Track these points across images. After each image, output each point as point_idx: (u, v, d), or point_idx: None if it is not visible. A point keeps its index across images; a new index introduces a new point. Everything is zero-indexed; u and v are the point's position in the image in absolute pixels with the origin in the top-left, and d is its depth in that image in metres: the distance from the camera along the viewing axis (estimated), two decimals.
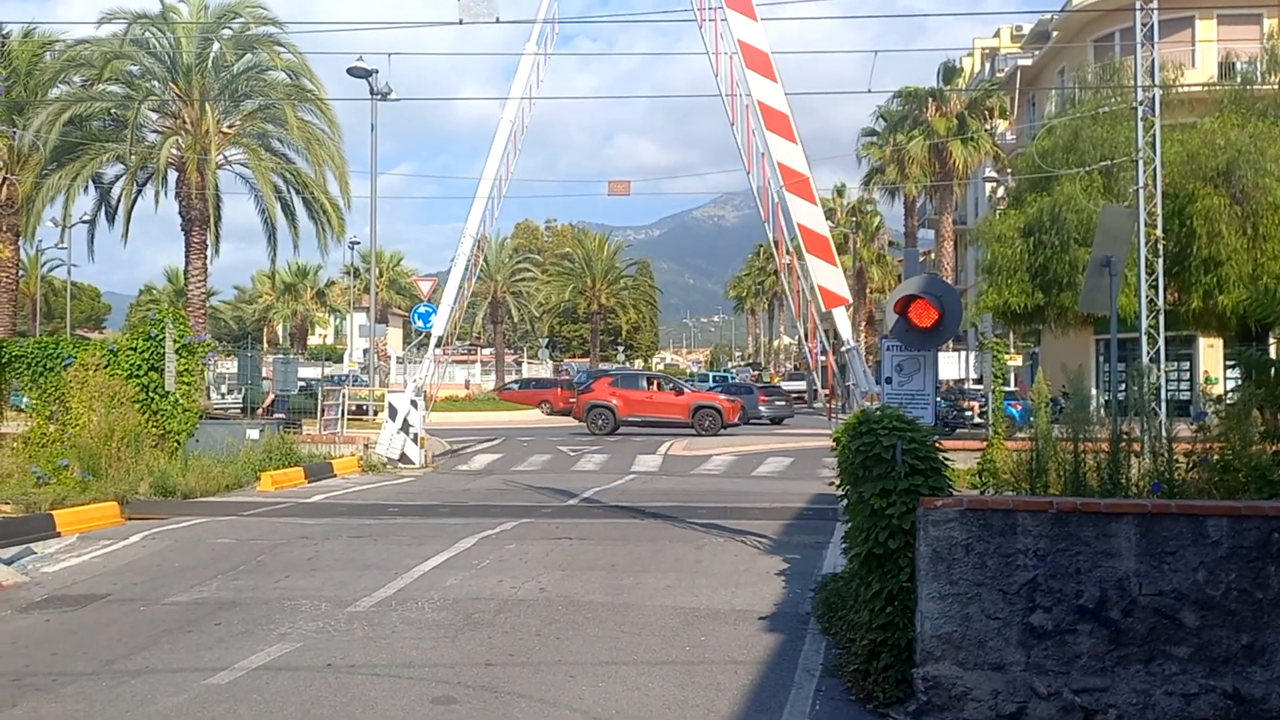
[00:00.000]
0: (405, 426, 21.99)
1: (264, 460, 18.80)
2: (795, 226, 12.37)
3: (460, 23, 15.52)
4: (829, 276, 12.31)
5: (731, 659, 7.33)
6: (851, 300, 13.35)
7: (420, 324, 26.75)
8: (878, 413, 6.68)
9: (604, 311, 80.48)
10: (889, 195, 48.92)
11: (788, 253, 12.99)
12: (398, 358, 68.08)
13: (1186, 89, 27.72)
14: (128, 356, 18.45)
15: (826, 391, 14.97)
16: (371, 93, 26.83)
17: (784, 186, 12.41)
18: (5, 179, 29.99)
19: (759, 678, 6.92)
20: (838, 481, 7.22)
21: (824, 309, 12.39)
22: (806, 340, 16.45)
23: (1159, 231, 21.68)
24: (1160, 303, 21.56)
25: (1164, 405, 19.06)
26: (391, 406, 22.24)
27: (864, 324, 61.54)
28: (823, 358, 13.96)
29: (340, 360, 73.37)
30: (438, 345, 22.99)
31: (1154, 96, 21.75)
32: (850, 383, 13.22)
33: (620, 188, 30.73)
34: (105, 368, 18.18)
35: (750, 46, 12.65)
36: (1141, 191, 21.31)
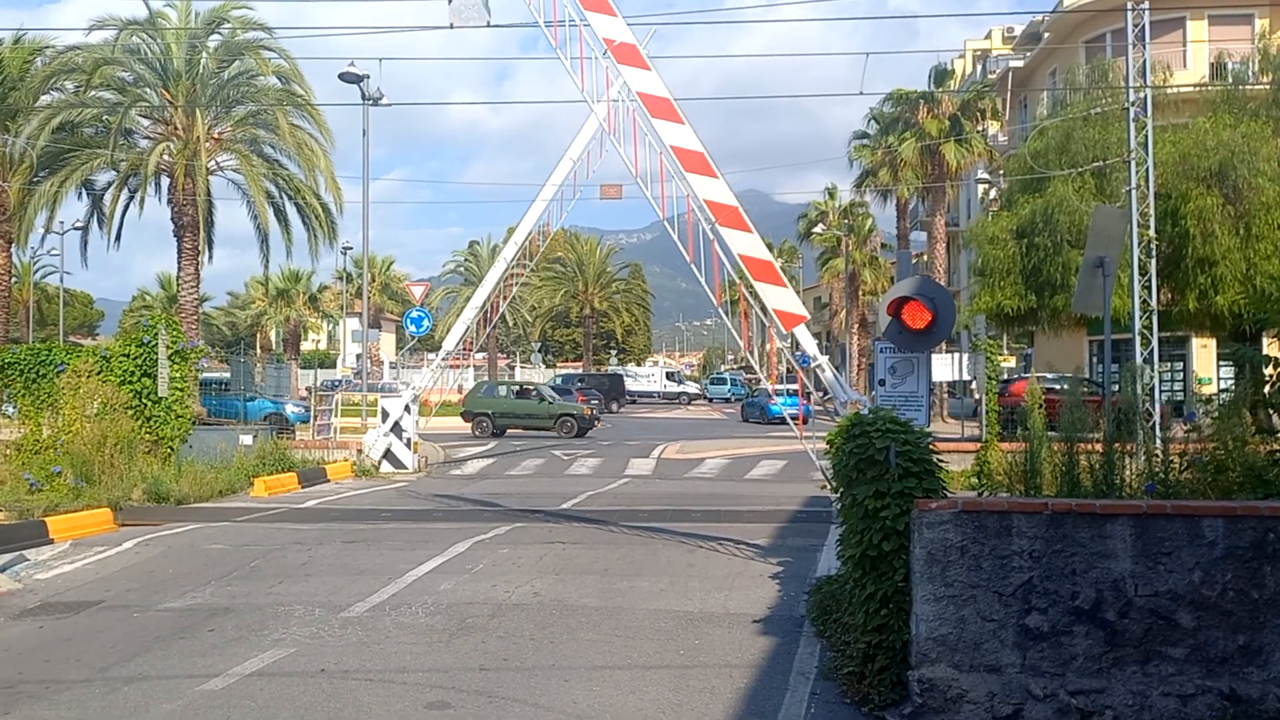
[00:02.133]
0: (398, 431, 21.96)
1: (257, 465, 18.79)
2: (736, 258, 12.29)
3: (451, 27, 15.42)
4: (781, 298, 12.23)
5: (726, 662, 7.31)
6: (809, 316, 13.24)
7: (413, 329, 26.73)
8: (871, 415, 6.67)
9: (596, 315, 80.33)
10: (881, 197, 48.87)
11: (729, 287, 12.91)
12: (390, 362, 68.07)
13: (1178, 89, 27.80)
14: (120, 363, 18.37)
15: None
16: (363, 98, 26.78)
17: (716, 223, 12.32)
18: None
19: (753, 681, 6.90)
20: (832, 484, 7.21)
21: (784, 331, 12.31)
22: (766, 376, 16.70)
23: (1151, 232, 21.73)
24: (1154, 303, 21.60)
25: (1158, 406, 19.10)
26: (383, 410, 22.23)
27: (857, 326, 61.56)
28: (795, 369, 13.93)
29: (334, 365, 73.27)
30: (446, 355, 23.11)
31: (1145, 97, 21.81)
32: (825, 394, 13.24)
33: (612, 191, 30.66)
34: (98, 374, 18.07)
35: (650, 96, 12.46)
36: (1134, 192, 21.36)
